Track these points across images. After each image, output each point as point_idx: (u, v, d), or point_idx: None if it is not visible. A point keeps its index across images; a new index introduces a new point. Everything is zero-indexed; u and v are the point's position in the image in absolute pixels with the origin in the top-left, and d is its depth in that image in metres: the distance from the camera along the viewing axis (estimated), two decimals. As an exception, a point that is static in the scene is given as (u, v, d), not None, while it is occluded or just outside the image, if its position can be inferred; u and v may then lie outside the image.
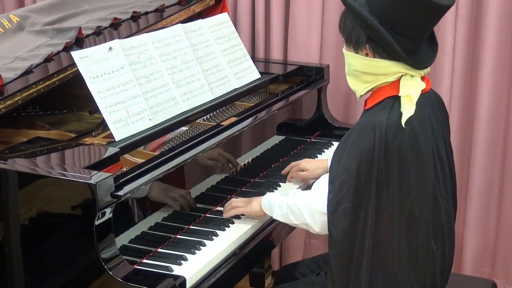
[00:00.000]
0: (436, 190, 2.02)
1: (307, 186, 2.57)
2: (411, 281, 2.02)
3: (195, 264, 2.04)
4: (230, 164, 2.49)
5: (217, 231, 2.22)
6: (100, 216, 1.86)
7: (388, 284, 2.00)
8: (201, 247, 2.13)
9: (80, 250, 1.90)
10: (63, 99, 2.58)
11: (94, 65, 2.22)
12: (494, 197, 3.16)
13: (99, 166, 1.96)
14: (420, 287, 2.04)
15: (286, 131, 2.87)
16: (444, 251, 2.08)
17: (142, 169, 2.07)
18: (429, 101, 2.05)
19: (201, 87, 2.55)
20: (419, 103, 1.96)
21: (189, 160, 2.22)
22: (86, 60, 2.21)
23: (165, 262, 2.03)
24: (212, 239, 2.18)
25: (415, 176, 1.95)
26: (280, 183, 2.57)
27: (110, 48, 2.29)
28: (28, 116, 2.52)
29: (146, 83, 2.35)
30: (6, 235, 1.98)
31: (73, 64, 2.25)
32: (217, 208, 2.36)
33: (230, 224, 2.27)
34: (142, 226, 2.11)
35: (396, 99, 1.97)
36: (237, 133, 2.46)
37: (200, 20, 2.74)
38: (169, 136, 2.35)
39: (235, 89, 2.70)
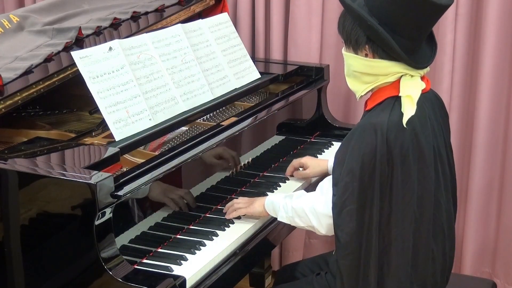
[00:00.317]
0: (437, 190, 2.02)
1: (309, 185, 2.57)
2: (412, 281, 2.02)
3: (195, 264, 2.04)
4: (233, 162, 2.49)
5: (217, 231, 2.22)
6: (100, 216, 1.86)
7: (393, 284, 2.00)
8: (201, 247, 2.13)
9: (80, 250, 1.90)
10: (63, 99, 2.58)
11: (94, 65, 2.22)
12: (494, 197, 3.16)
13: (99, 166, 1.96)
14: (421, 287, 2.04)
15: (286, 131, 2.87)
16: (445, 251, 2.08)
17: (142, 169, 2.07)
18: (429, 101, 2.05)
19: (201, 87, 2.55)
20: (420, 103, 1.96)
21: (189, 160, 2.22)
22: (86, 60, 2.21)
23: (165, 262, 2.03)
24: (212, 239, 2.18)
25: (417, 176, 1.95)
26: (280, 183, 2.57)
27: (110, 48, 2.29)
28: (28, 116, 2.52)
29: (146, 83, 2.35)
30: (6, 235, 1.98)
31: (73, 64, 2.25)
32: (217, 208, 2.36)
33: (230, 224, 2.27)
34: (142, 226, 2.11)
35: (397, 100, 1.97)
36: (237, 133, 2.46)
37: (200, 20, 2.74)
38: (169, 136, 2.35)
39: (235, 89, 2.70)
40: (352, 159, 1.94)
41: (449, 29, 2.98)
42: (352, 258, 1.98)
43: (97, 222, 1.86)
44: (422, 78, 2.02)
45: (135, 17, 2.79)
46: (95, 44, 2.41)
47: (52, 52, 2.41)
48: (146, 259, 2.06)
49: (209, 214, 2.33)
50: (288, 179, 2.61)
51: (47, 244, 1.95)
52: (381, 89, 2.01)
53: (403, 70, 1.98)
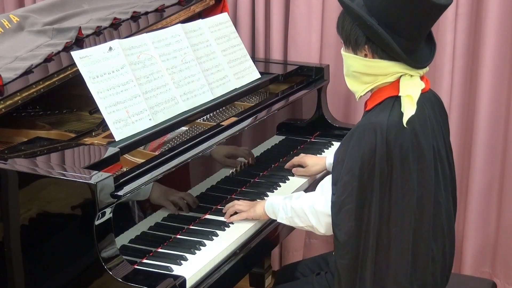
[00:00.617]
0: (437, 190, 2.02)
1: (309, 186, 2.57)
2: (412, 281, 2.02)
3: (195, 264, 2.04)
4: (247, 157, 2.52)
5: (217, 231, 2.22)
6: (100, 216, 1.86)
7: (391, 283, 2.00)
8: (201, 247, 2.13)
9: (80, 250, 1.90)
10: (63, 99, 2.58)
11: (94, 65, 2.22)
12: (494, 197, 3.16)
13: (99, 166, 1.96)
14: (420, 287, 2.04)
15: (286, 131, 2.87)
16: (444, 250, 2.09)
17: (142, 169, 2.07)
18: (429, 101, 2.05)
19: (201, 87, 2.55)
20: (419, 103, 1.96)
21: (189, 160, 2.22)
22: (86, 60, 2.21)
23: (165, 262, 2.03)
24: (212, 239, 2.18)
25: (416, 176, 1.95)
26: (280, 183, 2.57)
27: (110, 48, 2.29)
28: (28, 116, 2.52)
29: (146, 83, 2.35)
30: (6, 235, 1.98)
31: (73, 64, 2.25)
32: (217, 208, 2.36)
33: (230, 224, 2.27)
34: (142, 226, 2.11)
35: (396, 99, 1.97)
36: (237, 133, 2.46)
37: (200, 20, 2.74)
38: (169, 136, 2.35)
39: (235, 89, 2.70)
40: (352, 159, 1.94)
41: (449, 29, 2.98)
42: (350, 258, 1.98)
43: (97, 222, 1.86)
44: (422, 78, 2.02)
45: (135, 17, 2.79)
46: (95, 44, 2.41)
47: (52, 52, 2.41)
48: (146, 259, 2.06)
49: (209, 214, 2.33)
50: (288, 179, 2.61)
51: (47, 244, 1.95)
52: (380, 89, 2.01)
53: (403, 70, 1.98)
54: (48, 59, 2.39)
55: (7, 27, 2.60)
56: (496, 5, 2.91)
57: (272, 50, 3.28)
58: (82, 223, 1.88)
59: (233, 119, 2.49)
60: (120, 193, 1.92)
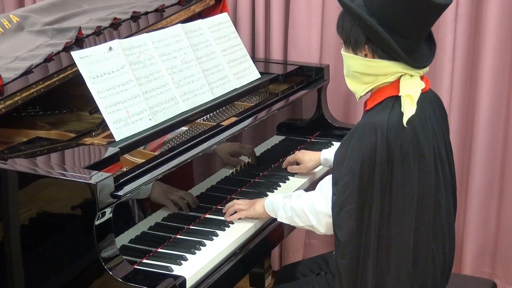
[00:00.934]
0: (437, 190, 2.02)
1: (309, 185, 2.57)
2: (412, 281, 2.02)
3: (195, 264, 2.04)
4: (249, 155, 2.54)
5: (217, 231, 2.22)
6: (100, 216, 1.86)
7: (392, 284, 2.00)
8: (201, 247, 2.13)
9: (80, 250, 1.90)
10: (63, 99, 2.58)
11: (94, 65, 2.22)
12: (494, 197, 3.16)
13: (99, 166, 1.96)
14: (421, 287, 2.04)
15: (286, 131, 2.87)
16: (444, 250, 2.09)
17: (142, 169, 2.07)
18: (429, 100, 2.05)
19: (201, 87, 2.55)
20: (419, 102, 1.96)
21: (189, 160, 2.22)
22: (86, 60, 2.21)
23: (165, 262, 2.03)
24: (212, 239, 2.18)
25: (417, 175, 1.95)
26: (280, 183, 2.57)
27: (110, 48, 2.29)
28: (28, 116, 2.52)
29: (146, 83, 2.35)
30: (6, 235, 1.98)
31: (73, 64, 2.25)
32: (217, 208, 2.36)
33: (230, 224, 2.27)
34: (142, 226, 2.11)
35: (397, 99, 1.97)
36: (237, 133, 2.46)
37: (200, 20, 2.74)
38: (169, 136, 2.35)
39: (235, 89, 2.70)
40: (352, 159, 1.94)
41: (449, 29, 2.98)
42: (350, 258, 1.98)
43: (97, 222, 1.86)
44: (422, 78, 2.02)
45: (135, 17, 2.79)
46: (95, 44, 2.41)
47: (52, 52, 2.41)
48: (146, 259, 2.06)
49: (209, 214, 2.33)
50: (288, 179, 2.61)
51: (47, 244, 1.95)
52: (380, 89, 2.01)
53: (403, 70, 1.97)
54: (48, 59, 2.39)
55: (7, 27, 2.60)
56: (496, 5, 2.91)
57: (272, 50, 3.28)
58: (82, 223, 1.88)
59: (233, 119, 2.49)
60: (120, 193, 1.92)
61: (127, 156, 2.13)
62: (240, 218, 2.29)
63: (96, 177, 1.86)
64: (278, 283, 2.47)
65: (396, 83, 1.98)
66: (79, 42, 2.53)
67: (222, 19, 2.85)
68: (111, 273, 1.85)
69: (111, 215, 1.90)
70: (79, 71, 2.20)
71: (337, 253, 2.01)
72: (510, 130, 3.05)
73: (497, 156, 3.10)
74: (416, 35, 1.95)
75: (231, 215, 2.29)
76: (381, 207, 1.94)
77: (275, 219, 2.27)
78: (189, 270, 2.00)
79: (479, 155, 3.07)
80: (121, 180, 1.97)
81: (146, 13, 2.85)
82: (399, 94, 1.96)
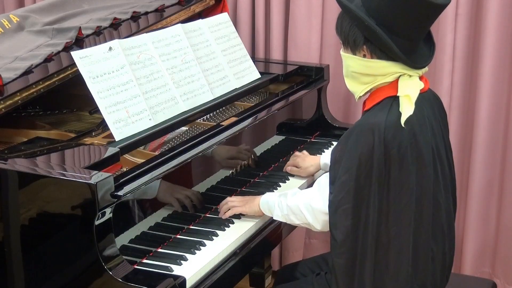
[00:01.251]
0: (436, 190, 2.02)
1: (308, 186, 2.57)
2: (412, 281, 2.02)
3: (195, 264, 2.04)
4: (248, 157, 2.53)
5: (217, 231, 2.22)
6: (100, 216, 1.86)
7: (391, 284, 2.00)
8: (201, 247, 2.13)
9: (80, 250, 1.90)
10: (63, 99, 2.58)
11: (94, 65, 2.22)
12: (494, 197, 3.16)
13: (99, 166, 1.96)
14: (420, 287, 2.04)
15: (286, 131, 2.87)
16: (444, 250, 2.09)
17: (142, 169, 2.07)
18: (428, 100, 2.05)
19: (201, 87, 2.55)
20: (418, 102, 1.96)
21: (189, 160, 2.22)
22: (86, 60, 2.21)
23: (165, 262, 2.03)
24: (212, 239, 2.18)
25: (415, 175, 1.95)
26: (280, 183, 2.57)
27: (110, 48, 2.29)
28: (28, 116, 2.52)
29: (146, 83, 2.35)
30: (6, 235, 1.98)
31: (73, 64, 2.26)
32: (217, 208, 2.36)
33: (230, 224, 2.27)
34: (142, 226, 2.11)
35: (395, 99, 1.97)
36: (237, 133, 2.46)
37: (200, 20, 2.74)
38: (169, 136, 2.35)
39: (235, 89, 2.70)
40: (350, 159, 1.95)
41: (449, 29, 2.98)
42: (347, 257, 1.98)
43: (97, 222, 1.86)
44: (421, 78, 2.02)
45: (135, 17, 2.79)
46: (95, 44, 2.41)
47: (52, 52, 2.41)
48: (146, 259, 2.06)
49: (209, 214, 2.33)
50: (288, 179, 2.61)
51: (47, 244, 1.95)
52: (379, 89, 2.02)
53: (401, 70, 1.98)
54: (48, 59, 2.39)
55: (7, 27, 2.60)
56: (496, 5, 2.91)
57: (272, 50, 3.28)
58: (82, 223, 1.88)
59: (233, 119, 2.49)
60: (120, 193, 1.92)
61: (127, 156, 2.13)
62: (240, 218, 2.30)
63: (96, 177, 1.86)
64: (278, 283, 2.48)
65: (395, 83, 1.99)
66: (79, 42, 2.53)
67: (222, 19, 2.85)
68: (111, 273, 1.85)
69: (111, 215, 1.90)
70: (79, 71, 2.20)
71: (333, 252, 2.01)
72: (510, 130, 3.05)
73: (497, 156, 3.10)
74: (415, 36, 1.95)
75: (225, 212, 2.29)
76: (379, 207, 1.94)
77: (274, 219, 2.27)
78: (189, 270, 2.00)
79: (479, 155, 3.07)
80: (121, 180, 1.97)
81: (146, 13, 2.85)
82: (398, 94, 1.96)
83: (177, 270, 2.00)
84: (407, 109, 1.93)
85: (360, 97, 2.08)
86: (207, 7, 3.09)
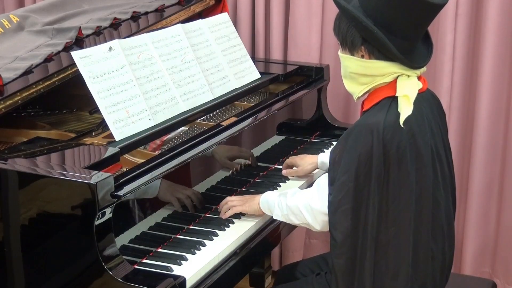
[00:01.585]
0: (435, 189, 2.02)
1: (308, 186, 2.57)
2: (412, 281, 2.02)
3: (195, 264, 2.04)
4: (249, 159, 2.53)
5: (217, 231, 2.22)
6: (100, 216, 1.86)
7: (391, 284, 2.00)
8: (201, 247, 2.13)
9: (80, 250, 1.90)
10: (63, 99, 2.58)
11: (94, 65, 2.22)
12: (494, 197, 3.16)
13: (99, 166, 1.96)
14: (421, 287, 2.04)
15: (286, 131, 2.87)
16: (444, 250, 2.09)
17: (142, 169, 2.07)
18: (427, 100, 2.05)
19: (201, 87, 2.55)
20: (417, 102, 1.96)
21: (189, 160, 2.22)
22: (86, 60, 2.21)
23: (165, 262, 2.03)
24: (212, 239, 2.18)
25: (415, 175, 1.95)
26: (280, 183, 2.57)
27: (110, 48, 2.29)
28: (28, 116, 2.52)
29: (146, 83, 2.35)
30: (6, 235, 1.98)
31: (73, 64, 2.25)
32: (217, 208, 2.36)
33: (230, 224, 2.27)
34: (142, 226, 2.11)
35: (394, 100, 1.97)
36: (237, 133, 2.46)
37: (200, 20, 2.74)
38: (169, 136, 2.35)
39: (235, 89, 2.70)
40: (349, 159, 1.95)
41: (449, 29, 2.98)
42: (346, 258, 1.98)
43: (97, 222, 1.86)
44: (419, 78, 2.02)
45: (135, 17, 2.79)
46: (95, 44, 2.41)
47: (52, 52, 2.41)
48: (146, 259, 2.06)
49: (209, 214, 2.33)
50: (288, 179, 2.61)
51: (47, 244, 1.95)
52: (377, 89, 2.02)
53: (400, 70, 1.98)
54: (48, 59, 2.39)
55: (7, 27, 2.60)
56: (496, 5, 2.91)
57: (272, 50, 3.29)
58: (82, 223, 1.88)
59: (233, 119, 2.49)
60: (120, 193, 1.92)
61: (127, 156, 2.13)
62: (240, 218, 2.30)
63: (96, 177, 1.86)
64: (278, 283, 2.48)
65: (393, 84, 1.99)
66: (79, 42, 2.53)
67: (222, 19, 2.85)
68: (111, 273, 1.85)
69: (111, 215, 1.90)
70: (79, 71, 2.20)
71: (333, 253, 2.01)
72: (510, 130, 3.05)
73: (497, 156, 3.10)
74: (412, 36, 1.95)
75: (225, 212, 2.29)
76: (379, 207, 1.94)
77: (275, 219, 2.27)
78: (189, 270, 2.00)
79: (479, 155, 3.07)
80: (121, 180, 1.97)
81: (146, 13, 2.85)
82: (396, 95, 1.96)
83: (177, 270, 2.00)
84: (405, 109, 1.93)
85: (359, 97, 2.08)
86: (207, 7, 3.09)
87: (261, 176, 2.64)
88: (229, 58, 2.75)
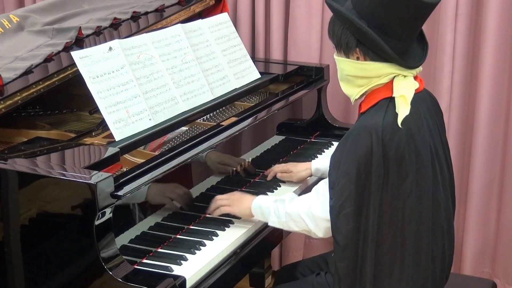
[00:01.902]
0: (435, 189, 2.02)
1: (306, 187, 2.57)
2: (413, 281, 2.01)
3: (195, 264, 2.04)
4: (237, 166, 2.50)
5: (217, 231, 2.22)
6: (100, 216, 1.86)
7: (391, 284, 2.00)
8: (201, 247, 2.13)
9: (80, 250, 1.90)
10: (63, 99, 2.58)
11: (94, 65, 2.22)
12: (494, 197, 3.16)
13: (99, 166, 1.96)
14: (421, 287, 2.04)
15: (286, 131, 2.87)
16: (444, 249, 2.08)
17: (142, 169, 2.07)
18: (424, 100, 2.05)
19: (201, 87, 2.55)
20: (414, 102, 1.96)
21: (189, 160, 2.22)
22: (86, 60, 2.21)
23: (165, 262, 2.03)
24: (212, 239, 2.18)
25: (414, 176, 1.95)
26: (280, 183, 2.57)
27: (110, 48, 2.29)
28: (28, 116, 2.52)
29: (146, 83, 2.35)
30: (6, 235, 1.98)
31: (73, 64, 2.26)
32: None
33: (230, 224, 2.27)
34: (142, 226, 2.11)
35: (391, 101, 1.97)
36: (237, 133, 2.46)
37: (200, 20, 2.74)
38: (169, 136, 2.35)
39: (235, 89, 2.70)
40: (348, 162, 1.94)
41: (449, 29, 2.98)
42: (349, 260, 1.97)
43: (97, 222, 1.86)
44: (415, 77, 2.02)
45: (135, 17, 2.79)
46: (95, 44, 2.41)
47: (52, 52, 2.41)
48: (146, 259, 2.06)
49: (209, 214, 2.33)
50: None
51: (47, 244, 1.95)
52: (374, 91, 2.01)
53: (396, 71, 1.97)
54: (48, 59, 2.39)
55: (7, 27, 2.60)
56: (496, 5, 2.91)
57: (272, 50, 3.29)
58: (82, 223, 1.88)
59: (233, 119, 2.49)
60: (120, 193, 1.92)
61: (127, 156, 2.13)
62: (239, 218, 2.29)
63: (96, 177, 1.86)
64: (278, 283, 2.47)
65: (390, 85, 1.98)
66: (79, 42, 2.53)
67: (222, 19, 2.85)
68: (111, 273, 1.85)
69: (111, 215, 1.90)
70: (79, 71, 2.20)
71: (335, 256, 2.00)
72: (510, 130, 3.05)
73: (497, 156, 3.10)
74: (407, 36, 1.95)
75: (214, 210, 2.28)
76: (379, 208, 1.94)
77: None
78: (189, 270, 2.00)
79: (479, 155, 3.07)
80: (121, 180, 1.97)
81: (146, 13, 2.85)
82: (393, 95, 1.96)
83: (177, 270, 2.00)
84: (403, 109, 1.93)
85: (356, 100, 2.07)
86: (207, 7, 3.09)
87: (261, 176, 2.64)
88: (229, 58, 2.75)
